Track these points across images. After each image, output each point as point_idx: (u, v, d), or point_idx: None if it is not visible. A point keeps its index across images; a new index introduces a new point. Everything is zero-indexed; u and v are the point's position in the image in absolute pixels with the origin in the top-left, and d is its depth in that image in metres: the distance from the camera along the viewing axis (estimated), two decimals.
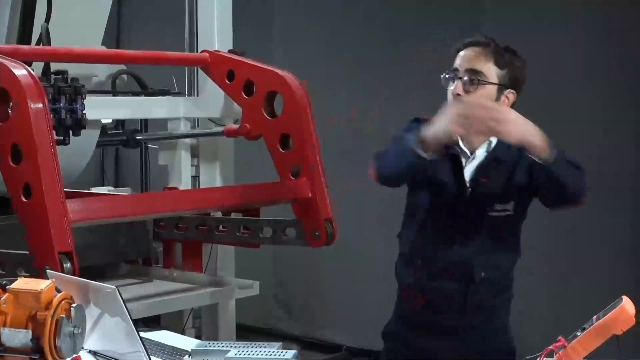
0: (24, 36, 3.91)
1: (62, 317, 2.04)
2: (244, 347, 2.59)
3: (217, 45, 4.48)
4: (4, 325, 2.02)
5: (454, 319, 3.03)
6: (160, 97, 4.89)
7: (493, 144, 3.00)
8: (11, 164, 3.07)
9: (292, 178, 3.94)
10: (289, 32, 6.33)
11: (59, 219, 3.00)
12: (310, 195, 3.86)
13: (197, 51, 4.59)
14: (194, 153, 4.64)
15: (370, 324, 5.86)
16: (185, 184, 4.57)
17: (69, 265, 2.95)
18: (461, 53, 3.00)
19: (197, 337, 4.58)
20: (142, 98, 4.87)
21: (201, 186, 4.61)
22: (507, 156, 2.98)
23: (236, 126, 4.22)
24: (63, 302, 2.06)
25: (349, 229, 4.98)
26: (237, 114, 4.26)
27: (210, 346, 2.69)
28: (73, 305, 2.08)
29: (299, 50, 6.11)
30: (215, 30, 4.55)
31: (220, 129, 4.40)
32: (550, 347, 2.18)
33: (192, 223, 4.26)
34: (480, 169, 3.00)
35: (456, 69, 2.99)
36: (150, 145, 5.76)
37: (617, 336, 2.14)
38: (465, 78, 2.94)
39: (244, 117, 4.15)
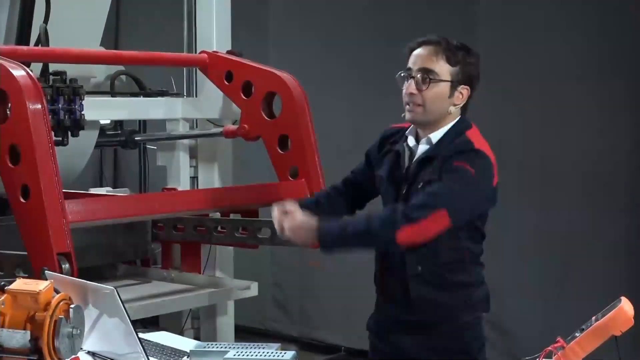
0: (23, 37, 3.91)
1: (60, 317, 2.04)
2: (242, 348, 2.59)
3: (216, 46, 4.48)
4: (3, 326, 2.02)
5: (404, 313, 3.08)
6: (158, 98, 4.89)
7: (433, 140, 3.02)
8: (9, 164, 3.07)
9: (291, 179, 3.95)
10: (284, 34, 6.32)
11: (57, 220, 3.00)
12: (308, 196, 3.86)
13: (195, 52, 4.59)
14: (193, 154, 4.64)
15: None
16: (183, 184, 4.57)
17: (67, 266, 2.96)
18: (414, 52, 3.07)
19: (196, 338, 4.58)
20: (141, 99, 4.87)
21: (200, 187, 4.61)
22: (436, 153, 2.99)
23: (235, 127, 4.22)
24: (62, 303, 2.07)
25: None
26: (236, 114, 4.26)
27: (208, 347, 2.69)
28: (72, 306, 2.08)
29: (294, 52, 6.10)
30: (213, 31, 4.55)
31: (218, 129, 4.40)
32: (549, 348, 2.18)
33: (191, 224, 4.26)
34: (416, 163, 3.03)
35: (409, 68, 3.06)
36: (148, 146, 5.75)
37: (615, 337, 2.14)
38: (418, 76, 3.01)
39: (242, 118, 4.15)
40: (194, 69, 4.68)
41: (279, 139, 3.99)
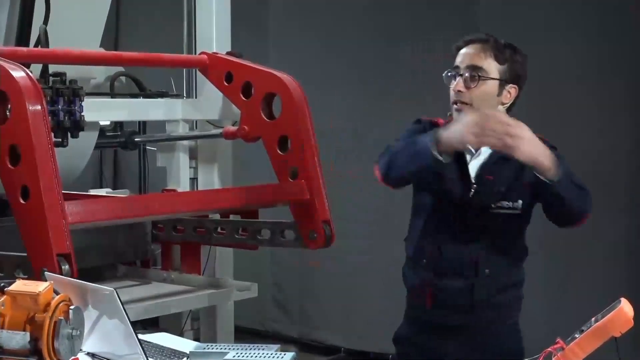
0: (22, 38, 3.91)
1: (60, 319, 2.04)
2: (242, 349, 2.59)
3: (215, 47, 4.48)
4: (2, 327, 2.02)
5: (462, 318, 3.03)
6: (158, 99, 4.88)
7: None
8: (9, 165, 3.07)
9: (290, 180, 3.95)
10: (284, 35, 6.32)
11: (57, 221, 2.99)
12: (308, 197, 3.86)
13: (195, 53, 4.59)
14: (193, 155, 4.64)
15: (368, 326, 5.88)
16: (183, 185, 4.57)
17: (67, 267, 2.95)
18: (461, 51, 3.03)
19: (196, 339, 4.58)
20: (141, 100, 4.86)
21: (199, 188, 4.61)
22: (508, 155, 2.98)
23: (234, 128, 4.22)
24: (61, 304, 2.06)
25: (347, 231, 4.99)
26: (236, 115, 4.26)
27: (208, 348, 2.68)
28: (71, 307, 2.08)
29: (294, 52, 6.11)
30: (213, 32, 4.56)
31: (218, 130, 4.40)
32: (549, 349, 2.18)
33: (190, 225, 4.26)
34: (485, 166, 3.02)
35: (457, 67, 3.02)
36: (148, 147, 5.75)
37: (615, 338, 2.14)
38: (466, 74, 2.97)
39: (242, 119, 4.15)
40: (194, 70, 4.67)
41: (279, 140, 3.99)
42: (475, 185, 3.00)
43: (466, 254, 3.00)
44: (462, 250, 3.01)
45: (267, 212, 4.15)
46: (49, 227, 2.97)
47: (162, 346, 2.84)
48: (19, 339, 2.01)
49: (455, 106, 3.01)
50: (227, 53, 4.36)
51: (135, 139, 5.05)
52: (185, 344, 2.94)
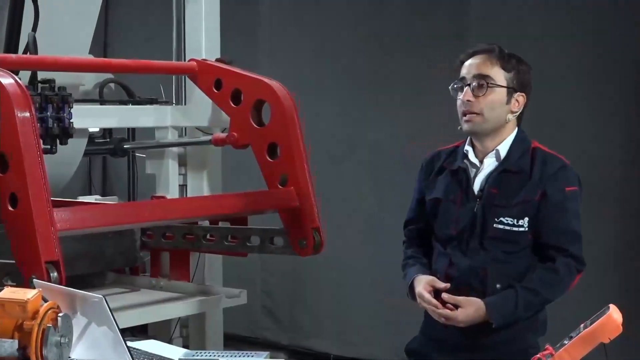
0: (11, 45, 3.90)
1: (48, 326, 2.03)
2: (231, 356, 2.59)
3: (205, 54, 4.48)
4: None
5: (474, 334, 2.96)
6: (147, 106, 4.88)
7: (502, 153, 2.99)
8: None
9: (280, 187, 3.94)
10: (274, 42, 6.33)
11: (45, 228, 2.98)
12: (298, 204, 3.86)
13: (184, 60, 4.59)
14: (182, 162, 4.64)
15: (357, 333, 5.88)
16: (172, 192, 4.56)
17: (55, 274, 2.94)
18: (466, 62, 3.01)
19: (185, 346, 4.57)
20: (130, 107, 4.86)
21: (189, 195, 4.60)
22: (516, 167, 2.97)
23: (224, 135, 4.21)
24: (50, 311, 2.06)
25: (337, 238, 4.98)
26: (225, 122, 4.26)
27: (197, 355, 2.68)
28: (60, 314, 2.08)
29: (283, 59, 6.11)
30: (202, 39, 4.55)
31: (207, 137, 4.40)
32: (538, 355, 2.18)
33: (180, 232, 4.25)
34: (489, 179, 2.98)
35: (463, 78, 2.99)
36: (137, 154, 5.75)
37: (604, 344, 2.14)
38: (474, 83, 2.94)
39: (231, 126, 4.15)
40: (183, 76, 4.67)
41: (268, 146, 3.99)
42: (479, 200, 2.97)
43: (476, 268, 2.96)
44: (472, 265, 2.97)
45: (257, 219, 4.14)
46: (37, 234, 2.96)
47: (151, 353, 2.83)
48: (7, 347, 2.00)
49: (464, 117, 2.97)
50: (217, 60, 4.36)
51: (125, 146, 5.04)
52: (174, 351, 2.93)
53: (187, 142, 4.62)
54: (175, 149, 4.60)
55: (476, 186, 3.00)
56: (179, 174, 4.63)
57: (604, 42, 4.91)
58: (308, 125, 3.99)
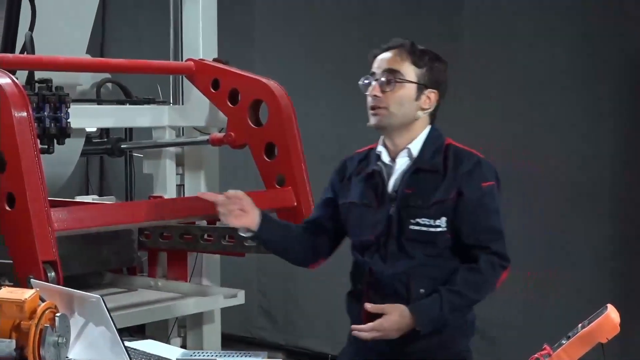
0: (8, 44, 3.90)
1: (46, 326, 2.03)
2: (229, 356, 2.59)
3: (202, 54, 4.48)
4: None
5: (401, 341, 2.83)
6: (144, 106, 4.87)
7: (414, 152, 2.91)
8: None
9: (277, 187, 3.94)
10: (270, 42, 6.33)
11: (43, 228, 2.98)
12: (295, 204, 3.86)
13: (182, 60, 4.58)
14: (179, 162, 4.63)
15: None
16: (170, 192, 4.56)
17: (53, 274, 2.94)
18: (378, 57, 2.97)
19: (182, 346, 4.57)
20: (127, 107, 4.86)
21: (186, 195, 4.60)
22: (429, 165, 2.89)
23: (221, 135, 4.21)
24: (47, 311, 2.06)
25: None
26: (222, 122, 4.26)
27: (195, 355, 2.68)
28: (57, 314, 2.08)
29: (279, 60, 6.11)
30: (200, 39, 4.55)
31: (205, 137, 4.40)
32: (536, 355, 2.18)
33: (177, 232, 4.25)
34: (403, 179, 2.90)
35: (373, 72, 2.95)
36: (135, 154, 5.74)
37: (602, 344, 2.14)
38: (383, 78, 2.90)
39: (229, 126, 4.15)
40: (181, 76, 4.67)
41: (266, 146, 3.99)
42: (395, 201, 2.88)
43: (398, 273, 2.86)
44: (393, 270, 2.87)
45: None
46: (34, 234, 2.96)
47: (149, 353, 2.83)
48: (4, 347, 2.00)
49: (371, 111, 2.93)
50: (214, 60, 4.36)
51: (122, 146, 5.04)
52: (171, 351, 2.93)
53: (185, 142, 4.62)
54: (172, 149, 4.59)
55: (390, 187, 2.92)
56: (177, 174, 4.63)
57: (596, 43, 4.91)
58: (301, 125, 3.99)
